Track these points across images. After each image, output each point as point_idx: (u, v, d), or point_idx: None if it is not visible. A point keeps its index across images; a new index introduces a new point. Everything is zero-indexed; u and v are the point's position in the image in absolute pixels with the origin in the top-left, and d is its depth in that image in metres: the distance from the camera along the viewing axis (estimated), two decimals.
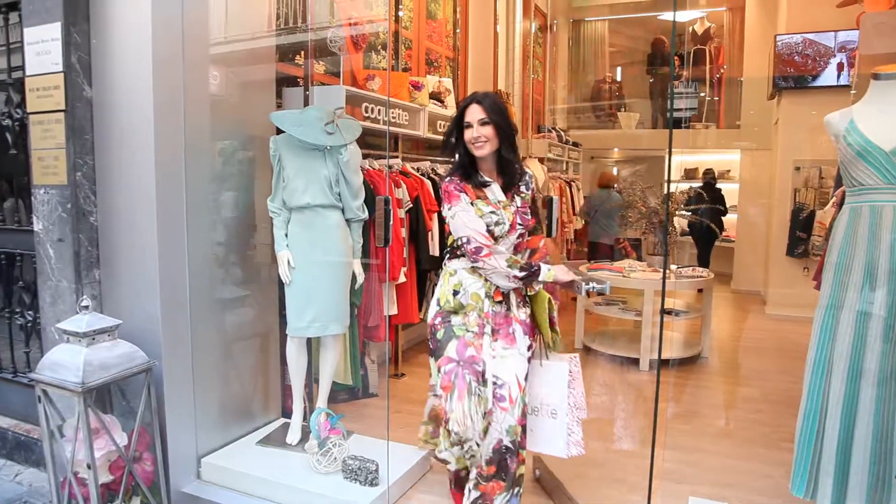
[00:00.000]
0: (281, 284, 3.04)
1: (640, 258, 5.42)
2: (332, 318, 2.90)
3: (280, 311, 3.22)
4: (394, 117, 3.98)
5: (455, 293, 2.33)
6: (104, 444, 2.51)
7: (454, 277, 2.35)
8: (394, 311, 3.78)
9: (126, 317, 2.61)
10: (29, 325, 3.36)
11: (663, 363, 4.55)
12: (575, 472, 2.87)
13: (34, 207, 2.80)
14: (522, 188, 2.40)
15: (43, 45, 2.73)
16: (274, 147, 2.89)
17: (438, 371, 2.25)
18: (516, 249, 2.40)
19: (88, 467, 2.43)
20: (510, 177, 2.36)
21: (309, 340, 3.06)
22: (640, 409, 4.13)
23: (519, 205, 2.36)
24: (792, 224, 6.02)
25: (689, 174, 8.07)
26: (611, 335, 5.31)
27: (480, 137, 2.24)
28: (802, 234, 5.87)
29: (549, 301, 2.36)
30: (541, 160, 6.37)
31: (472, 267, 2.30)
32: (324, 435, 2.78)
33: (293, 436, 3.03)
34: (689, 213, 5.97)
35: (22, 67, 3.29)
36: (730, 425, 3.79)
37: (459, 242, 2.30)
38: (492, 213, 2.29)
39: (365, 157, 3.58)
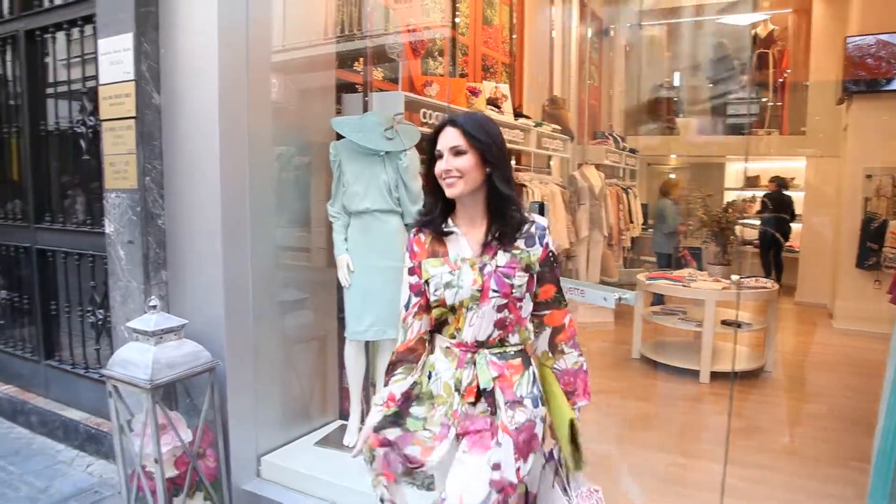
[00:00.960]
0: (340, 288, 3.08)
1: (700, 267, 5.29)
2: (391, 323, 2.92)
3: (338, 314, 3.26)
4: None
5: (430, 376, 1.77)
6: (170, 440, 2.58)
7: (432, 356, 1.79)
8: None
9: (191, 317, 2.68)
10: (99, 323, 3.49)
11: (725, 376, 4.42)
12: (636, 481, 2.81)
13: (106, 210, 2.91)
14: (521, 244, 1.69)
15: (115, 55, 2.85)
16: (334, 152, 2.93)
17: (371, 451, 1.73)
18: (504, 327, 1.70)
19: (156, 462, 2.51)
20: (502, 226, 1.68)
21: (367, 344, 3.08)
22: (699, 423, 4.03)
23: (501, 263, 1.66)
24: (862, 235, 5.78)
25: (751, 182, 7.85)
26: (669, 345, 5.19)
27: (452, 172, 1.63)
28: (874, 246, 5.62)
29: (567, 408, 1.73)
30: (597, 166, 6.30)
31: (447, 346, 1.74)
32: None
33: (350, 437, 3.06)
34: (751, 223, 5.82)
35: (95, 77, 3.45)
36: (795, 442, 3.65)
37: None
38: (447, 273, 1.68)
39: (423, 162, 3.59)
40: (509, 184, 1.69)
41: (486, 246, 1.69)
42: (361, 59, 3.67)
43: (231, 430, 2.78)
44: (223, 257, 2.65)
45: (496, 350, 1.70)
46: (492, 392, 1.68)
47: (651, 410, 4.29)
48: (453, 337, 1.71)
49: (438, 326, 1.77)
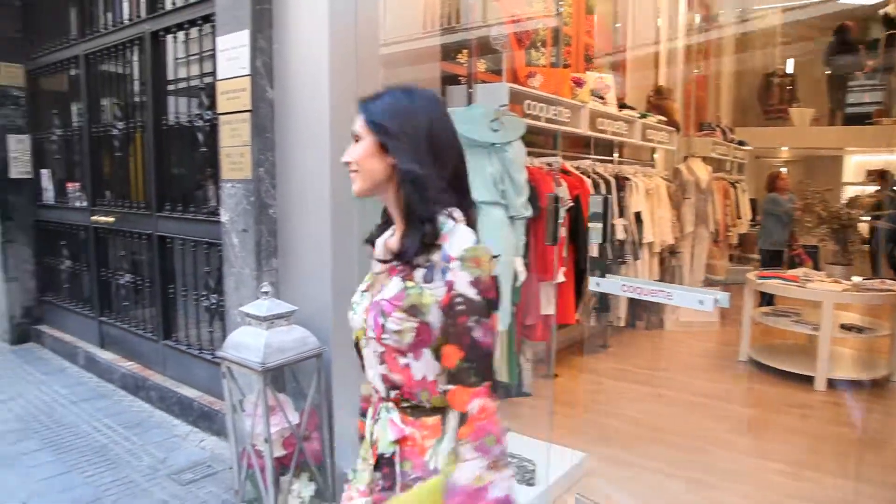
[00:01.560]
0: None
1: (817, 267, 4.96)
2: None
3: None
4: (555, 114, 3.92)
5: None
6: (279, 421, 2.68)
7: None
8: (551, 310, 3.73)
9: (299, 304, 2.77)
10: (213, 307, 3.68)
11: (844, 384, 4.14)
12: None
13: (222, 200, 3.06)
14: (419, 274, 1.23)
15: (233, 52, 2.97)
16: None
17: None
18: (395, 387, 1.27)
19: (265, 441, 2.61)
20: (403, 240, 1.26)
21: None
22: (815, 432, 3.79)
23: (387, 295, 1.24)
24: None
25: (873, 175, 7.29)
26: (781, 349, 4.91)
27: (350, 164, 1.30)
28: None
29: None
30: (703, 159, 6.03)
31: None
32: None
33: None
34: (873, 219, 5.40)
35: (212, 73, 3.62)
36: None
37: None
38: (358, 291, 1.41)
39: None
40: (417, 184, 1.23)
41: (389, 263, 1.30)
42: (465, 51, 3.67)
43: (335, 414, 2.85)
44: (331, 246, 2.71)
45: (405, 405, 1.26)
46: (391, 461, 1.27)
47: (760, 416, 4.07)
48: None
49: None
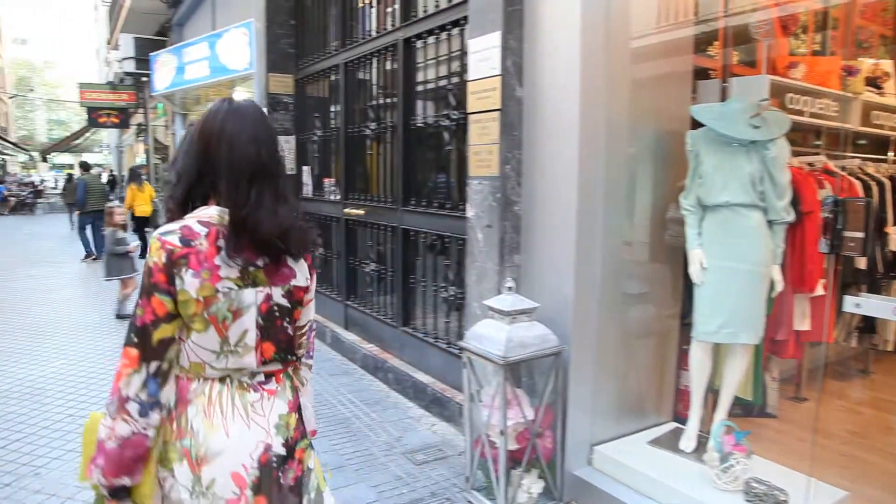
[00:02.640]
0: (686, 284, 2.93)
1: None
2: (745, 326, 2.69)
3: (682, 311, 3.12)
4: (819, 108, 3.52)
5: None
6: (514, 415, 2.72)
7: None
8: (805, 326, 3.36)
9: (539, 301, 2.79)
10: (451, 298, 3.85)
11: None
12: None
13: (468, 196, 3.18)
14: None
15: (484, 53, 3.07)
16: (691, 142, 2.78)
17: None
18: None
19: (501, 433, 2.67)
20: None
21: (715, 346, 2.89)
22: None
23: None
24: None
25: None
26: None
27: None
28: None
29: None
30: None
31: None
32: (727, 450, 2.60)
33: (688, 442, 2.91)
34: None
35: (458, 74, 3.78)
36: None
37: None
38: None
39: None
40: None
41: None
42: (716, 43, 3.42)
43: (568, 414, 2.83)
44: (576, 245, 2.69)
45: None
46: None
47: None
48: None
49: None
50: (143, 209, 10.65)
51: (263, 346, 1.38)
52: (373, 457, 3.41)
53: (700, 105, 2.89)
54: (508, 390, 2.68)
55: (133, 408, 1.27)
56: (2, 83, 40.05)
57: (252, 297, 1.34)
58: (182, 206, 1.38)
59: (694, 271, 2.74)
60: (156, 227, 10.20)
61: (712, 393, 3.03)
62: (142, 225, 10.78)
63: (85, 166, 12.09)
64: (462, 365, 2.89)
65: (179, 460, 1.33)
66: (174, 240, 1.28)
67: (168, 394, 1.34)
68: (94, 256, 10.80)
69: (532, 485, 2.81)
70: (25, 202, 22.90)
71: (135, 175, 11.12)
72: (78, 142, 34.78)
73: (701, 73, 3.33)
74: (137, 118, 20.93)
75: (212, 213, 1.34)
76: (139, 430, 1.28)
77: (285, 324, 1.42)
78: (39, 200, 24.16)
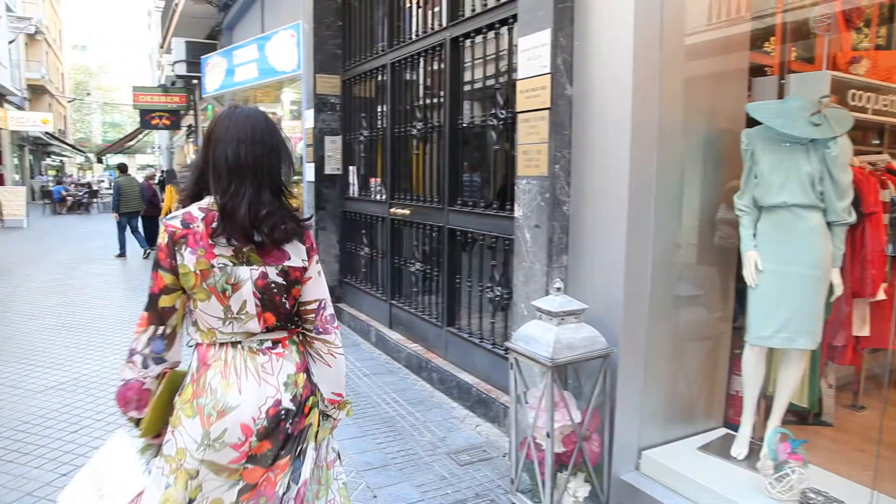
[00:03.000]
0: (739, 288, 2.85)
1: None
2: (803, 331, 2.60)
3: (734, 315, 3.04)
4: (883, 105, 3.38)
5: None
6: (561, 417, 2.69)
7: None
8: (865, 332, 3.23)
9: (588, 302, 2.75)
10: (497, 298, 3.83)
11: None
12: None
13: (516, 196, 3.15)
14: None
15: (533, 51, 3.04)
16: (747, 141, 2.71)
17: None
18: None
19: (547, 435, 2.64)
20: None
21: (769, 351, 2.80)
22: None
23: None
24: None
25: None
26: None
27: None
28: None
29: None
30: None
31: None
32: (781, 458, 2.51)
33: (739, 449, 2.83)
34: None
35: (505, 74, 3.76)
36: None
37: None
38: None
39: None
40: None
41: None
42: (773, 38, 3.33)
43: (616, 418, 2.78)
44: (626, 246, 2.65)
45: None
46: None
47: None
48: None
49: None
50: None
51: (265, 316, 1.60)
52: (417, 456, 3.41)
53: (757, 102, 2.81)
54: (556, 392, 2.65)
55: (137, 360, 1.56)
56: (61, 87, 41.58)
57: (247, 273, 1.55)
58: (191, 196, 1.61)
59: (748, 274, 2.67)
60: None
61: (764, 399, 2.95)
62: None
63: (122, 168, 12.59)
64: (508, 366, 2.87)
65: (192, 416, 1.55)
66: (176, 223, 1.54)
67: (173, 354, 1.60)
68: (124, 256, 11.38)
69: (578, 489, 2.77)
70: (82, 202, 23.75)
71: (172, 176, 11.52)
72: (131, 143, 35.91)
73: (756, 71, 3.24)
74: (188, 120, 21.50)
75: (210, 200, 1.57)
76: (139, 377, 1.57)
77: (283, 299, 1.62)
78: (94, 200, 25.05)
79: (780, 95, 3.04)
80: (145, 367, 1.56)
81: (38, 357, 5.16)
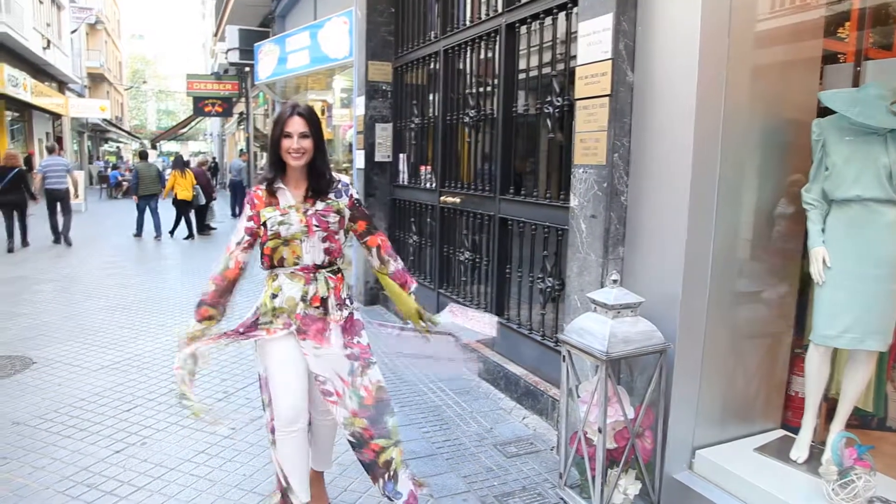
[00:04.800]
0: (804, 285, 2.74)
1: None
2: (872, 331, 2.47)
3: (797, 313, 2.92)
4: None
5: (273, 296, 2.40)
6: (614, 413, 2.63)
7: (276, 282, 2.41)
8: None
9: (644, 295, 2.67)
10: (548, 290, 3.77)
11: None
12: None
13: (572, 185, 3.08)
14: (332, 196, 2.43)
15: (594, 36, 2.96)
16: (818, 131, 2.58)
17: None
18: (330, 253, 2.42)
19: (599, 431, 2.58)
20: (317, 184, 2.41)
21: (834, 351, 2.68)
22: None
23: (320, 209, 2.39)
24: None
25: None
26: None
27: (300, 149, 2.33)
28: None
29: (406, 296, 2.64)
30: None
31: (292, 272, 2.40)
32: (847, 463, 2.40)
33: (799, 452, 2.72)
34: None
35: (562, 60, 3.68)
36: None
37: None
38: (279, 216, 2.35)
39: None
40: (325, 157, 2.44)
41: (306, 198, 2.40)
42: (848, 24, 3.17)
43: (670, 415, 2.71)
44: (686, 239, 2.56)
45: (328, 270, 2.43)
46: (327, 299, 2.42)
47: None
48: (296, 264, 2.38)
49: (279, 262, 2.39)
50: (184, 193, 11.85)
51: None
52: (463, 447, 3.39)
53: (830, 91, 2.67)
54: (609, 387, 2.59)
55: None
56: (119, 76, 42.83)
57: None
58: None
59: (815, 270, 2.55)
60: (195, 209, 12.05)
61: (825, 401, 2.83)
62: (182, 206, 12.08)
63: (143, 155, 13.31)
64: (560, 359, 2.82)
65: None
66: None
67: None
68: (140, 236, 12.13)
69: (629, 486, 2.71)
70: None
71: (178, 162, 12.19)
72: (184, 131, 36.78)
73: (829, 58, 3.09)
74: (239, 107, 21.88)
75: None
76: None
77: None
78: None
79: (855, 84, 2.89)
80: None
81: (95, 336, 5.33)
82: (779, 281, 2.93)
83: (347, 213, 2.47)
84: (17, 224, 10.12)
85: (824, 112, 2.61)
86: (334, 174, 2.48)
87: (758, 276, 2.88)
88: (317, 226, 2.37)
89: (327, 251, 2.41)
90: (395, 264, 2.62)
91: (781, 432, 3.01)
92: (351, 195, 2.49)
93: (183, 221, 12.18)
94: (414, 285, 2.66)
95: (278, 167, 2.39)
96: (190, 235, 12.17)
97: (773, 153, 2.83)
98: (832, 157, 2.53)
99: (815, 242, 2.57)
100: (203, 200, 12.33)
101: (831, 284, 2.52)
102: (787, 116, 2.83)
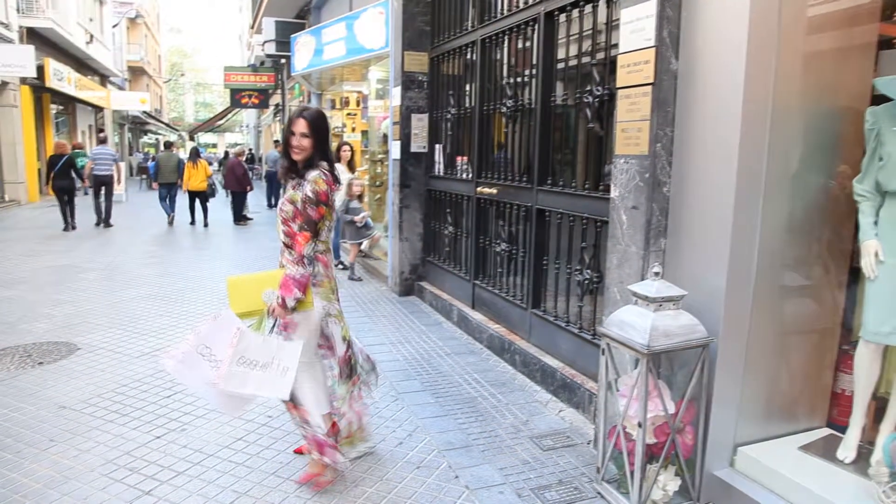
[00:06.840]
0: (853, 280, 2.65)
1: None
2: None
3: (846, 309, 2.83)
4: None
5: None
6: (654, 407, 2.58)
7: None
8: None
9: (687, 288, 2.62)
10: (586, 282, 3.72)
11: None
12: None
13: (613, 175, 3.03)
14: (300, 188, 2.72)
15: (637, 24, 2.89)
16: (872, 120, 2.49)
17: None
18: (288, 236, 2.74)
19: (639, 425, 2.55)
20: (304, 178, 2.74)
21: (885, 349, 2.59)
22: None
23: (287, 197, 2.75)
24: None
25: None
26: None
27: (298, 146, 2.75)
28: None
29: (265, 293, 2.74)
30: None
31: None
32: None
33: (846, 452, 2.64)
34: None
35: (602, 49, 3.61)
36: None
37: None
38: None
39: None
40: (325, 157, 2.80)
41: (293, 187, 2.78)
42: None
43: (712, 411, 2.66)
44: (731, 231, 2.50)
45: (288, 252, 2.78)
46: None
47: None
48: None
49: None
50: (196, 184, 12.36)
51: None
52: (499, 439, 3.38)
53: (887, 77, 2.57)
54: (650, 381, 2.55)
55: (307, 261, 2.68)
56: (158, 69, 43.59)
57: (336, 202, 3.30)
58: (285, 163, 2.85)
59: (867, 264, 2.46)
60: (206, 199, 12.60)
61: (874, 399, 2.74)
62: (195, 197, 12.62)
63: (166, 145, 13.98)
64: (599, 352, 2.78)
65: (334, 292, 2.91)
66: (331, 179, 2.75)
67: (318, 258, 2.77)
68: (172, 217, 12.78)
69: (668, 482, 2.67)
70: None
71: (192, 154, 12.66)
72: (221, 122, 37.29)
73: (885, 44, 2.97)
74: (275, 99, 22.08)
75: (326, 166, 2.80)
76: (307, 272, 2.68)
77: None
78: None
79: None
80: (310, 264, 2.70)
81: (136, 324, 5.44)
82: (827, 275, 2.84)
83: (300, 205, 2.71)
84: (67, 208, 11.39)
85: (879, 100, 2.51)
86: (321, 171, 2.73)
87: (805, 270, 2.80)
88: (281, 210, 2.78)
89: (285, 234, 2.75)
90: (293, 269, 2.67)
91: (827, 431, 2.93)
92: (306, 192, 2.68)
93: (188, 208, 12.72)
94: (290, 299, 2.63)
95: (288, 159, 2.83)
96: (192, 222, 12.72)
97: (824, 143, 2.74)
98: (887, 146, 2.44)
99: (867, 235, 2.48)
100: (219, 192, 12.78)
101: (884, 279, 2.44)
102: (840, 104, 2.74)
